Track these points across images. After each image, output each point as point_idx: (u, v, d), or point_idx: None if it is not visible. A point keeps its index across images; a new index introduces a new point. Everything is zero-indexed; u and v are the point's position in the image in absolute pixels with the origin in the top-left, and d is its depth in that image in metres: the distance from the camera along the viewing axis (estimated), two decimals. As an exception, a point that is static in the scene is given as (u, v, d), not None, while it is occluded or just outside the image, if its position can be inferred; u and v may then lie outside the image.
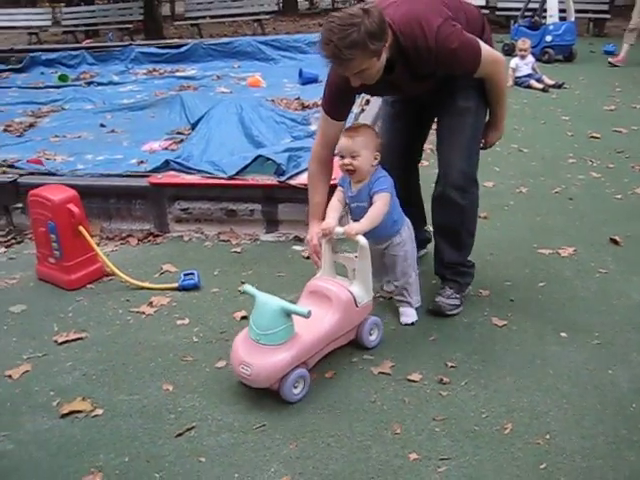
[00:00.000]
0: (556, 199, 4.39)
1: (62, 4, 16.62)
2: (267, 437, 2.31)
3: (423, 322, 2.96)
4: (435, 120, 3.02)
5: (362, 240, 2.63)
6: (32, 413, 2.54)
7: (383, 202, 2.69)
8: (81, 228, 3.46)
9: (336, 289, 2.64)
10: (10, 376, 2.78)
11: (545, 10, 9.37)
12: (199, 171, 4.04)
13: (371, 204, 2.71)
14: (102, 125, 6.32)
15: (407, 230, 2.90)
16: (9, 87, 8.74)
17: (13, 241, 4.21)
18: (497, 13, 12.75)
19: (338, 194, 2.85)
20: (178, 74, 8.81)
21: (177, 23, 13.80)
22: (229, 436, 2.32)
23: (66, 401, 2.58)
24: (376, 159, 2.73)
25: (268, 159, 3.86)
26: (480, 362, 2.67)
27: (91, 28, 14.22)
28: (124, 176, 4.17)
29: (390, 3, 2.57)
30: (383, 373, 2.63)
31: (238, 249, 3.78)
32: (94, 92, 8.00)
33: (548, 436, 2.25)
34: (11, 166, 4.48)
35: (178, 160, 4.14)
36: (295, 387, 2.46)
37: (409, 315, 2.96)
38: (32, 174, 4.37)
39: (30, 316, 3.27)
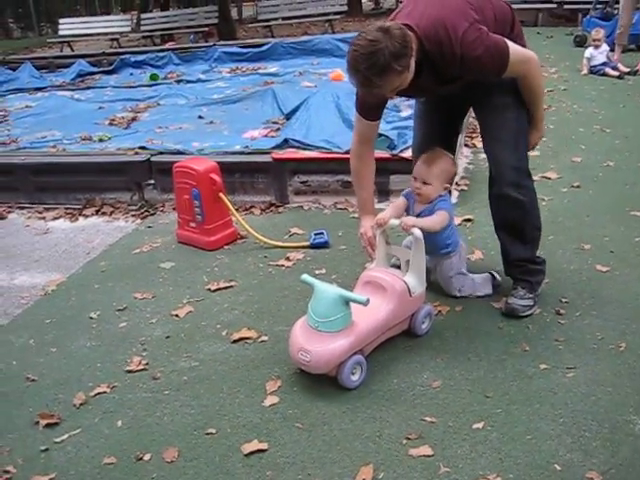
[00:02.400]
0: (643, 171, 4.72)
1: (134, 11, 17.42)
2: (415, 354, 2.75)
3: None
4: (473, 114, 3.07)
5: (417, 232, 2.70)
6: (206, 340, 3.03)
7: (442, 217, 2.85)
8: (221, 195, 3.96)
9: (390, 279, 2.71)
10: (177, 315, 3.27)
11: (617, 1, 9.53)
12: (317, 147, 4.51)
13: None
14: (200, 117, 6.79)
15: (458, 258, 3.07)
16: (104, 87, 9.40)
17: (146, 213, 4.76)
18: (565, 7, 12.97)
19: (401, 201, 3.01)
20: (261, 71, 9.31)
21: (250, 25, 14.45)
22: (382, 353, 2.75)
23: (234, 331, 3.06)
24: (445, 189, 2.91)
25: (381, 135, 4.29)
26: (590, 298, 3.06)
27: (167, 32, 14.99)
28: (248, 153, 4.67)
29: (413, 8, 2.56)
30: (507, 308, 3.02)
31: (356, 215, 4.20)
32: (185, 89, 8.54)
33: (659, 352, 2.63)
34: (142, 147, 5.04)
35: (296, 138, 4.61)
36: (353, 374, 2.54)
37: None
38: (162, 154, 4.92)
39: (180, 271, 3.77)
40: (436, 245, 3.00)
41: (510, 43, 2.54)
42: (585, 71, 8.06)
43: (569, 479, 2.04)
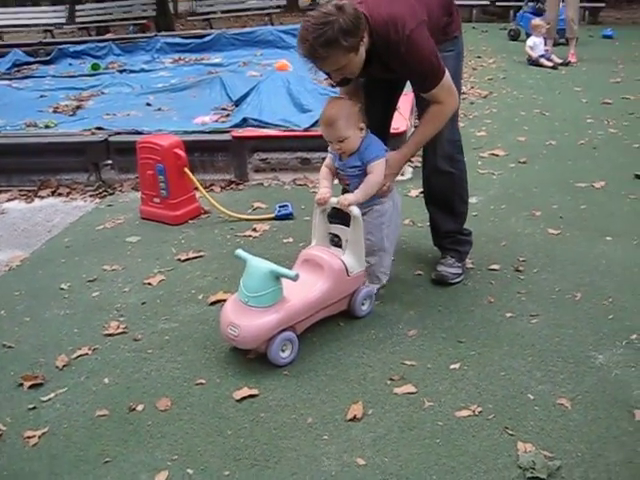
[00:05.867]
0: (582, 149, 5.06)
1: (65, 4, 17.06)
2: (388, 308, 2.92)
3: (491, 233, 3.59)
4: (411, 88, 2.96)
5: (355, 211, 2.67)
6: (182, 305, 3.10)
7: (378, 171, 2.72)
8: (186, 169, 4.02)
9: (328, 257, 2.69)
10: (150, 283, 3.33)
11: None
12: (275, 125, 4.62)
13: (362, 169, 2.76)
14: (148, 104, 6.72)
15: (391, 204, 2.89)
16: (43, 77, 9.17)
17: (105, 193, 4.75)
18: (497, 4, 13.49)
19: (327, 161, 2.91)
20: (204, 62, 9.32)
21: (189, 19, 14.43)
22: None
23: (210, 294, 3.14)
24: (362, 129, 2.72)
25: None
26: (545, 257, 3.29)
27: (102, 25, 14.75)
28: (207, 132, 4.74)
29: None
30: (467, 267, 3.21)
31: (315, 190, 4.35)
32: (129, 78, 8.42)
33: (611, 299, 2.88)
34: (99, 128, 5.03)
35: (255, 117, 4.71)
36: (283, 350, 2.53)
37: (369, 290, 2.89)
38: (119, 134, 4.93)
39: (147, 244, 3.82)
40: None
41: (447, 72, 2.64)
42: (535, 55, 8.44)
43: (543, 405, 2.24)
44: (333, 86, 2.92)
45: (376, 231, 2.86)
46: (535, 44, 8.45)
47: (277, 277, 2.49)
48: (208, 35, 10.23)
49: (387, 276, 2.97)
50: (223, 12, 13.89)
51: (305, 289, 2.60)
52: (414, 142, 2.83)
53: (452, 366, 2.47)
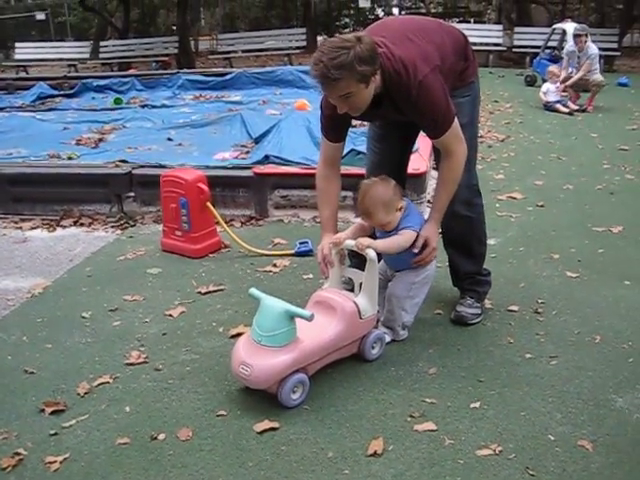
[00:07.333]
0: (599, 194, 5.11)
1: (89, 40, 17.46)
2: (408, 346, 2.93)
3: (510, 275, 3.61)
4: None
5: (371, 254, 2.67)
6: (203, 336, 3.13)
7: (406, 237, 2.76)
8: (208, 204, 4.09)
9: (341, 300, 2.68)
10: (170, 315, 3.36)
11: (563, 48, 10.11)
12: (297, 163, 4.70)
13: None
14: (169, 139, 6.84)
15: (428, 268, 2.91)
16: (66, 109, 9.37)
17: (126, 225, 4.82)
18: (514, 50, 13.74)
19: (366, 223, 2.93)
20: (224, 99, 9.48)
21: (210, 57, 14.75)
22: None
23: (230, 327, 3.17)
24: (401, 208, 2.80)
25: (359, 152, 4.52)
26: (564, 300, 3.31)
27: (125, 61, 15.09)
28: (229, 168, 4.82)
29: (380, 42, 2.59)
30: (486, 308, 3.24)
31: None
32: (151, 113, 8.59)
33: (630, 343, 2.88)
34: (123, 161, 5.13)
35: (275, 154, 4.79)
36: (294, 392, 2.50)
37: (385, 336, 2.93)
38: (143, 167, 5.02)
39: (167, 276, 3.87)
40: (402, 260, 2.89)
41: (456, 120, 2.66)
42: (548, 100, 8.56)
43: (564, 447, 2.24)
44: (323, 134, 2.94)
45: (404, 289, 2.90)
46: (549, 90, 8.59)
47: (291, 317, 2.47)
48: (229, 73, 10.43)
49: (405, 334, 2.98)
50: (243, 51, 14.21)
51: (318, 330, 2.58)
52: (441, 205, 2.84)
53: (472, 405, 2.48)
